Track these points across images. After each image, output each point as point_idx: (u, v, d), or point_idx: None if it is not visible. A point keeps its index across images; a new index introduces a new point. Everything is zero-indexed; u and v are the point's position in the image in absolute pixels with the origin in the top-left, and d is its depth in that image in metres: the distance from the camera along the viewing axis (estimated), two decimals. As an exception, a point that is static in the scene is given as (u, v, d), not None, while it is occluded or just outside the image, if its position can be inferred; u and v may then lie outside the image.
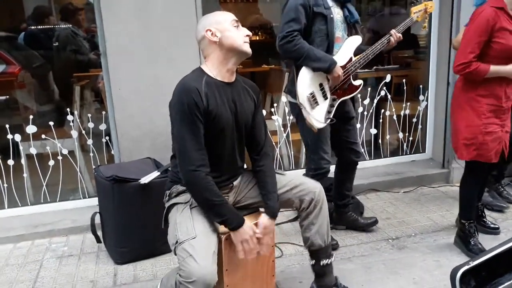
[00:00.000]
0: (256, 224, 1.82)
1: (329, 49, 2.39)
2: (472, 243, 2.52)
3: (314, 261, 2.02)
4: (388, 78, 3.77)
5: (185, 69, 1.84)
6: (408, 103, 3.86)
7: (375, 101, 3.77)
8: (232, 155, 1.87)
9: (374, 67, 4.04)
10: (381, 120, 3.84)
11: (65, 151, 3.15)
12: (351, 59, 2.42)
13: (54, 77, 3.90)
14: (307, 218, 1.95)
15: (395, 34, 2.46)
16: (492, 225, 2.74)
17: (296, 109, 2.44)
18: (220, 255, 1.77)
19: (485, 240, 2.63)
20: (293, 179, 1.97)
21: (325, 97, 2.41)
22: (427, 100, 3.85)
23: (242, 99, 1.83)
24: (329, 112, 2.42)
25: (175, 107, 1.68)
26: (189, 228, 1.67)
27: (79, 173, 3.21)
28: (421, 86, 3.85)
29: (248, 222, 1.78)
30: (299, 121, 2.49)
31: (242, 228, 1.71)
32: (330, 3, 2.40)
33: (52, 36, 3.80)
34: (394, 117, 3.86)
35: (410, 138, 3.94)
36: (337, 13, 2.42)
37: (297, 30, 2.29)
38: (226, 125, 1.77)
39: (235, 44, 1.73)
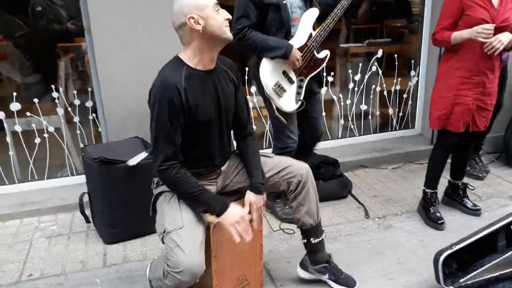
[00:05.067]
0: (243, 205, 1.83)
1: (287, 34, 2.37)
2: (431, 211, 2.67)
3: (305, 239, 2.06)
4: (379, 53, 3.71)
5: (171, 46, 1.77)
6: (399, 79, 3.83)
7: (366, 76, 3.73)
8: (219, 143, 1.85)
9: (367, 41, 3.97)
10: (371, 96, 3.82)
11: (51, 129, 3.10)
12: (310, 35, 2.39)
13: (37, 48, 3.77)
14: (295, 200, 1.96)
15: None
16: (473, 207, 2.78)
17: (262, 91, 2.44)
18: (208, 242, 1.79)
19: (468, 220, 2.70)
20: (280, 162, 1.97)
21: (291, 82, 2.42)
22: (418, 76, 3.82)
23: (224, 84, 1.80)
24: (298, 93, 2.43)
25: (153, 103, 1.65)
26: (177, 218, 1.68)
27: (66, 151, 3.17)
28: (412, 61, 3.81)
29: (234, 204, 1.78)
30: (266, 101, 2.49)
31: (228, 211, 1.70)
32: None
33: (28, 4, 3.63)
34: (385, 92, 3.84)
35: (400, 114, 3.94)
36: None
37: (247, 26, 2.29)
38: (210, 115, 1.74)
39: (219, 32, 1.65)
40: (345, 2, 2.36)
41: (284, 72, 2.40)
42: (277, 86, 2.37)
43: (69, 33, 3.51)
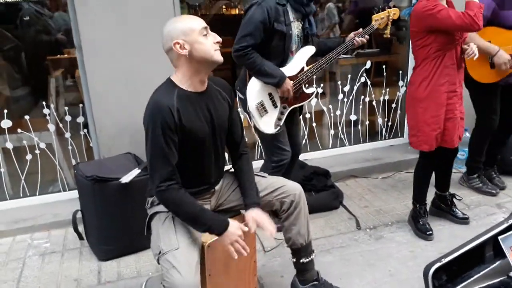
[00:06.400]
0: (244, 224, 1.84)
1: (283, 63, 2.44)
2: (421, 223, 2.73)
3: (295, 259, 2.08)
4: (368, 64, 3.78)
5: (163, 62, 1.78)
6: (388, 89, 3.89)
7: (355, 87, 3.79)
8: (213, 163, 1.87)
9: (355, 52, 4.03)
10: (360, 106, 3.87)
11: (42, 145, 3.10)
12: (302, 68, 2.47)
13: (26, 60, 3.74)
14: (287, 219, 1.99)
15: (360, 40, 2.48)
16: (461, 215, 2.83)
17: (244, 106, 2.48)
18: (203, 261, 1.81)
19: (456, 229, 2.76)
20: (274, 182, 2.00)
21: (275, 106, 2.47)
22: (406, 86, 3.88)
23: (216, 104, 1.82)
24: (279, 119, 2.48)
25: (147, 126, 1.67)
26: (172, 238, 1.69)
27: (58, 167, 3.17)
28: (400, 71, 3.88)
29: (234, 222, 1.77)
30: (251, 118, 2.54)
31: (228, 230, 1.71)
32: (292, 18, 2.39)
33: (17, 15, 3.60)
34: (374, 102, 3.90)
35: (389, 123, 4.00)
36: (296, 27, 2.43)
37: (251, 45, 2.32)
38: (203, 136, 1.76)
39: (206, 56, 1.67)
40: (341, 50, 2.46)
41: (270, 94, 2.45)
42: (260, 105, 2.42)
43: (59, 45, 3.52)
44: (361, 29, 2.52)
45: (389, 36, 2.64)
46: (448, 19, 2.26)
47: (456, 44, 2.40)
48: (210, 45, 1.67)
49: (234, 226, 1.74)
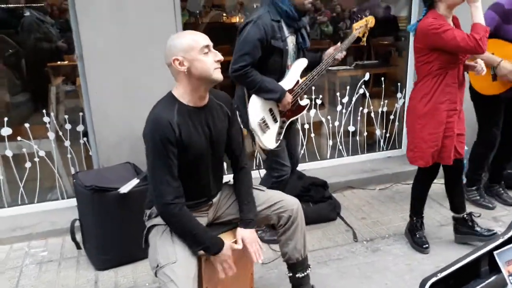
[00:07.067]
0: (235, 241, 1.87)
1: (281, 78, 2.47)
2: (417, 236, 2.74)
3: (291, 273, 2.10)
4: (367, 76, 3.81)
5: (163, 73, 1.80)
6: (386, 100, 3.92)
7: (354, 99, 3.82)
8: (211, 176, 1.89)
9: (354, 63, 4.07)
10: (359, 118, 3.90)
11: (42, 153, 3.11)
12: (298, 81, 2.50)
13: (26, 66, 3.74)
14: (284, 234, 2.00)
15: (340, 56, 2.52)
16: (487, 233, 2.70)
17: (246, 124, 2.47)
18: (200, 274, 1.82)
19: (453, 243, 2.77)
20: (272, 196, 2.01)
21: (275, 121, 2.49)
22: (404, 98, 3.91)
23: (216, 120, 1.83)
24: (279, 133, 2.52)
25: (148, 140, 1.69)
26: (170, 252, 1.70)
27: (57, 175, 3.18)
28: (399, 83, 3.91)
29: (227, 242, 1.81)
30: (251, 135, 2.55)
31: (221, 252, 1.75)
32: (287, 33, 2.42)
33: (18, 22, 3.60)
34: (372, 114, 3.93)
35: (387, 135, 4.02)
36: (290, 42, 2.46)
37: (250, 64, 2.32)
38: (201, 151, 1.78)
39: (205, 74, 1.68)
40: (330, 60, 2.49)
41: (270, 110, 2.47)
42: (263, 122, 2.43)
43: (61, 52, 3.54)
44: (339, 44, 2.54)
45: (365, 44, 2.66)
46: (452, 40, 2.24)
47: (459, 64, 2.40)
48: (210, 63, 1.68)
49: (227, 247, 1.79)
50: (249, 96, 2.43)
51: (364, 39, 2.64)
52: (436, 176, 2.69)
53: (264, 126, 2.44)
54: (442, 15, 2.32)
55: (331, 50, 2.56)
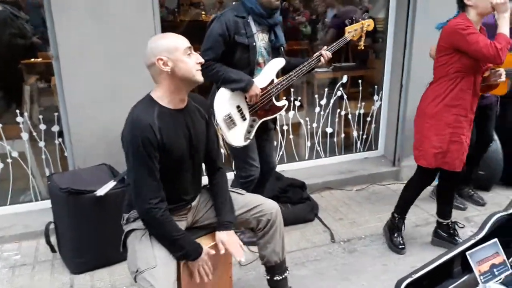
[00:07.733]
0: (214, 245, 1.88)
1: (250, 75, 2.45)
2: (395, 235, 2.78)
3: (269, 276, 2.11)
4: (344, 79, 3.85)
5: (141, 75, 1.78)
6: (363, 103, 3.97)
7: (332, 101, 3.86)
8: (191, 179, 1.88)
9: (332, 65, 4.11)
10: (336, 119, 3.94)
11: (15, 154, 3.03)
12: (272, 81, 2.48)
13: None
14: (263, 238, 2.01)
15: (326, 54, 2.49)
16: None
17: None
18: (179, 277, 1.81)
19: (428, 243, 2.83)
20: (251, 200, 2.02)
21: (243, 118, 2.47)
22: (381, 100, 3.98)
23: (195, 122, 1.83)
24: (248, 132, 2.49)
25: (128, 143, 1.67)
26: (149, 257, 1.69)
27: (30, 176, 3.10)
28: (376, 86, 3.97)
29: (205, 247, 1.82)
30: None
31: (200, 258, 1.76)
32: (254, 30, 2.42)
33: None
34: (349, 115, 3.98)
35: (364, 136, 4.08)
36: (261, 40, 2.45)
37: (212, 59, 2.34)
38: (182, 153, 1.77)
39: (188, 75, 1.69)
40: (312, 62, 2.48)
41: (238, 107, 2.45)
42: (228, 118, 2.42)
43: (35, 49, 3.44)
44: (325, 47, 2.54)
45: (363, 47, 2.67)
46: (475, 44, 2.24)
47: (477, 71, 2.41)
48: (192, 65, 1.70)
49: (204, 251, 1.80)
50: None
51: (361, 43, 2.65)
52: (431, 183, 2.72)
53: (229, 122, 2.42)
54: (471, 20, 2.33)
55: (323, 51, 2.52)
